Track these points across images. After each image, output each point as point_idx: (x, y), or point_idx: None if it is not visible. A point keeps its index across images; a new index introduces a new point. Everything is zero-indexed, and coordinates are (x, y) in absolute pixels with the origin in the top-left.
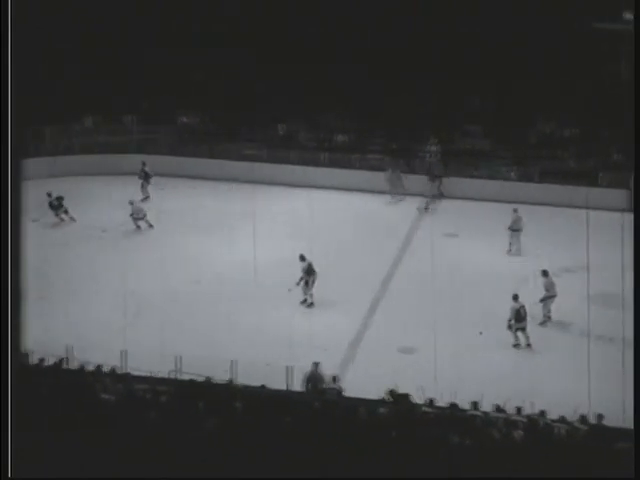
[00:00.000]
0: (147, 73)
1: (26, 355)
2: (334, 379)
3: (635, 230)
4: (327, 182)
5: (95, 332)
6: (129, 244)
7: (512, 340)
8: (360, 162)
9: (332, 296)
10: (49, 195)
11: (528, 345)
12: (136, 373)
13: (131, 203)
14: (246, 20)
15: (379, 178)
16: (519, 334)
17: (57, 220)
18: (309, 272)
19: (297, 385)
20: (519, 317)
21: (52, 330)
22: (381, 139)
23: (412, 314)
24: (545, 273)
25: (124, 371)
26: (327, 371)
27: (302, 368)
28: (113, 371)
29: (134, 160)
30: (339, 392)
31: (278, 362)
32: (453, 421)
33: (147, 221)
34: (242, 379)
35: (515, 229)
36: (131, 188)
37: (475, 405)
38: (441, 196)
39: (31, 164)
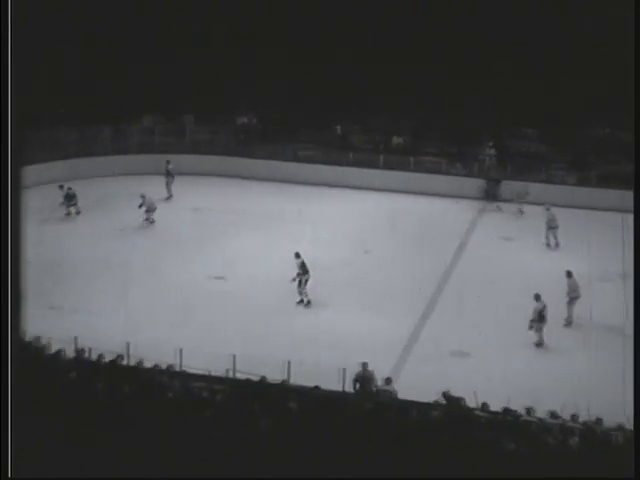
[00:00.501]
0: (205, 73)
1: (82, 351)
2: (387, 381)
3: (635, 230)
4: (382, 184)
5: (152, 330)
6: (186, 242)
7: (535, 339)
8: (415, 165)
9: (386, 298)
10: (61, 187)
11: (539, 344)
12: (193, 371)
13: (143, 196)
14: (307, 22)
15: (434, 180)
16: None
17: (66, 212)
18: (304, 270)
19: (351, 386)
20: (541, 317)
21: (110, 327)
22: (437, 142)
23: (467, 317)
24: (569, 274)
25: (180, 369)
26: (380, 373)
27: (357, 369)
28: (170, 369)
29: (190, 160)
30: (392, 394)
31: (331, 363)
32: (507, 426)
33: (151, 218)
34: (296, 379)
35: (552, 227)
36: (185, 187)
37: (529, 411)
38: (498, 199)
39: (89, 163)
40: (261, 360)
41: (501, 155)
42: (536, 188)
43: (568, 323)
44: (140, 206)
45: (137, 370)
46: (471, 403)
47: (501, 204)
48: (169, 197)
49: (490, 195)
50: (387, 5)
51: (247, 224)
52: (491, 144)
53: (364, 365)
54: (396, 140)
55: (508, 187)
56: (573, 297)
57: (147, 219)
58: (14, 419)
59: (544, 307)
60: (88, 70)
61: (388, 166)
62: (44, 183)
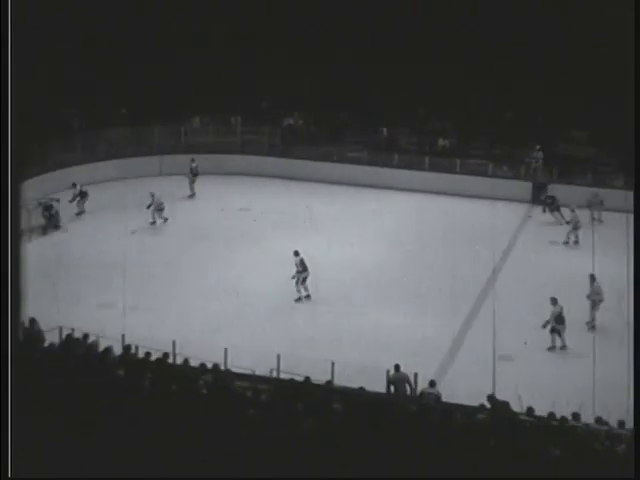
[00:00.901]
0: (253, 75)
1: (129, 348)
2: (431, 384)
3: (635, 230)
4: (428, 186)
5: (198, 328)
6: (232, 242)
7: (550, 344)
8: (461, 167)
9: (431, 300)
10: (75, 185)
11: (563, 347)
12: (237, 370)
13: (152, 195)
14: (351, 24)
15: (480, 183)
16: (555, 337)
17: (78, 211)
18: (302, 268)
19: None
20: (560, 320)
21: (157, 325)
22: (483, 144)
23: (512, 321)
24: (593, 278)
25: (225, 368)
26: (424, 376)
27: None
28: (215, 368)
29: (238, 160)
30: (437, 397)
31: (376, 365)
32: (552, 431)
33: (163, 216)
34: (340, 381)
35: (577, 227)
36: (232, 187)
37: (576, 416)
38: (545, 203)
39: (138, 163)
40: (305, 361)
41: (548, 158)
42: (582, 192)
43: (592, 327)
44: (149, 206)
45: (183, 369)
46: (516, 407)
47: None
48: (192, 195)
49: (536, 198)
50: (437, 6)
51: (293, 224)
52: (538, 147)
53: (397, 367)
54: (442, 142)
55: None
56: (596, 300)
57: (154, 222)
58: (14, 419)
59: (562, 309)
60: (139, 70)
61: (434, 168)
62: (96, 182)
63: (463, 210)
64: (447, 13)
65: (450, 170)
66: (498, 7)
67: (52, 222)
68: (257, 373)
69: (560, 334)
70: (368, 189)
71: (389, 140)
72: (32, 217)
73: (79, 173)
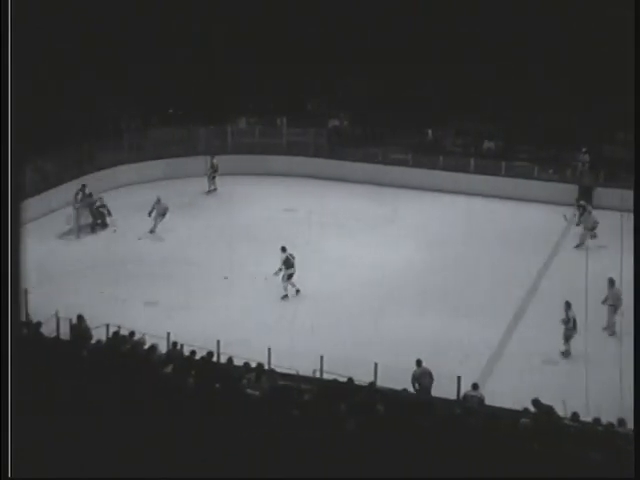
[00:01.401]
0: (298, 76)
1: (175, 345)
2: (474, 387)
3: (635, 230)
4: (473, 188)
5: (243, 328)
6: (277, 243)
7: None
8: (507, 169)
9: (475, 303)
10: (84, 187)
11: (566, 353)
12: (280, 370)
13: (158, 202)
14: (402, 25)
15: (526, 186)
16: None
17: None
18: (287, 265)
19: (439, 391)
20: (575, 325)
21: (202, 324)
22: (529, 146)
23: (557, 325)
24: (611, 282)
25: (269, 368)
26: (468, 379)
27: (446, 374)
28: (259, 367)
29: (284, 161)
30: (480, 400)
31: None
32: (597, 437)
33: (156, 224)
34: (383, 382)
35: (588, 228)
36: (277, 188)
37: (622, 422)
38: (590, 206)
39: (184, 163)
40: (348, 361)
41: (594, 161)
42: (628, 195)
43: (612, 333)
44: (150, 213)
45: (227, 368)
46: (560, 412)
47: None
48: (212, 190)
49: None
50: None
51: (338, 226)
52: (584, 150)
53: (419, 362)
54: (487, 144)
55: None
56: (615, 305)
57: (152, 230)
58: (14, 419)
59: (575, 315)
60: (186, 71)
61: (479, 170)
62: (143, 182)
63: (508, 213)
64: (491, 13)
65: (495, 172)
66: (546, 8)
67: (100, 221)
68: (300, 373)
69: (567, 339)
70: (413, 191)
71: (434, 142)
72: (80, 216)
73: (126, 173)
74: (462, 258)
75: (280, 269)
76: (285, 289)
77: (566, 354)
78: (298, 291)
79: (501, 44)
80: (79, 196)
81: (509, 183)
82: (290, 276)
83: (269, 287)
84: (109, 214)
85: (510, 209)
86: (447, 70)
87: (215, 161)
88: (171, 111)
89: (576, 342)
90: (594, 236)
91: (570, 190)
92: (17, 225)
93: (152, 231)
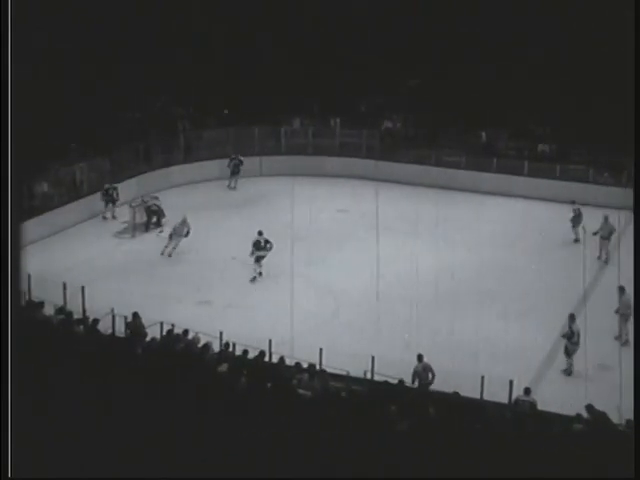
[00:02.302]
0: (353, 77)
1: (228, 344)
2: (526, 391)
3: (635, 230)
4: (527, 191)
5: (294, 328)
6: (330, 244)
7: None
8: (561, 172)
9: (529, 307)
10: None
11: (568, 371)
12: (332, 371)
13: (184, 222)
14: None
15: (581, 189)
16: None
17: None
18: (257, 247)
19: (490, 394)
20: (579, 339)
21: (254, 323)
22: (584, 150)
23: (611, 330)
24: (622, 290)
25: (320, 368)
26: (520, 383)
27: (497, 378)
28: (310, 367)
29: (336, 162)
30: (532, 405)
31: (471, 370)
32: None
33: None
34: (434, 384)
35: (605, 237)
36: (330, 189)
37: None
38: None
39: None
40: (399, 363)
41: None
42: None
43: (625, 342)
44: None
45: (278, 367)
46: (614, 419)
47: None
48: (233, 187)
49: None
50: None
51: (389, 227)
52: None
53: (420, 357)
54: (542, 147)
55: None
56: (625, 314)
57: (165, 252)
58: (15, 419)
59: (579, 330)
60: (240, 71)
61: (533, 173)
62: (197, 182)
63: (563, 216)
64: (548, 14)
65: (550, 175)
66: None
67: (156, 219)
68: (351, 374)
69: (570, 354)
70: (466, 193)
71: (488, 144)
72: (136, 215)
73: (180, 173)
74: (514, 261)
75: (252, 252)
76: (254, 270)
77: (568, 372)
78: (260, 274)
79: (560, 47)
80: (114, 193)
81: (563, 186)
82: (258, 258)
83: (320, 288)
84: (163, 215)
85: (564, 212)
86: (502, 71)
87: (241, 158)
88: (226, 112)
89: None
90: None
91: (626, 194)
92: (17, 227)
93: (164, 253)
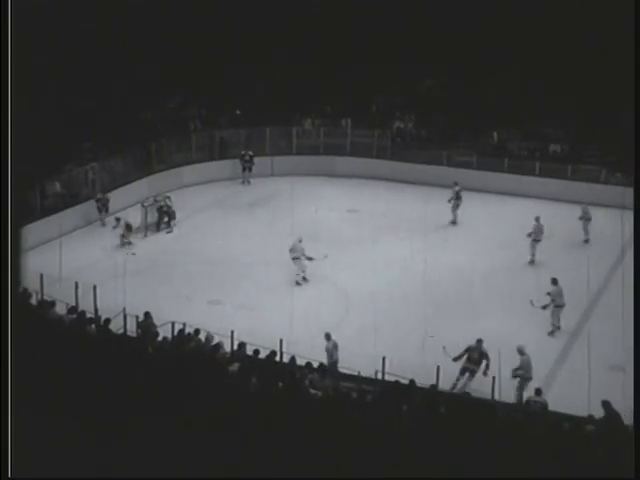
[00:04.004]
0: (365, 76)
1: (242, 344)
2: (537, 392)
3: (635, 230)
4: (538, 191)
5: (305, 327)
6: (339, 244)
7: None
8: (573, 173)
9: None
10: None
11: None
12: (343, 371)
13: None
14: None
15: (592, 190)
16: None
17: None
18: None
19: (501, 395)
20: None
21: (265, 323)
22: (596, 150)
23: (624, 330)
24: (555, 281)
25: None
26: (531, 383)
27: (509, 379)
28: (321, 367)
29: (348, 162)
30: (543, 405)
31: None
32: None
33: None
34: (445, 385)
35: (536, 239)
36: (341, 189)
37: None
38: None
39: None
40: (410, 363)
41: None
42: None
43: (552, 331)
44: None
45: (290, 367)
46: (626, 420)
47: None
48: (244, 182)
49: None
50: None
51: (400, 227)
52: None
53: (327, 336)
54: (553, 147)
55: None
56: (558, 305)
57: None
58: (15, 419)
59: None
60: (252, 72)
61: (545, 173)
62: (209, 182)
63: (574, 217)
64: (558, 14)
65: (561, 176)
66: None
67: (167, 219)
68: (362, 374)
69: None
70: (477, 193)
71: (499, 145)
72: (147, 214)
73: (192, 173)
74: (525, 261)
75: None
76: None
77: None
78: (304, 279)
79: (572, 47)
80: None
81: (575, 186)
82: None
83: (330, 287)
84: (174, 216)
85: (576, 213)
86: (514, 72)
87: (250, 152)
88: (238, 112)
89: None
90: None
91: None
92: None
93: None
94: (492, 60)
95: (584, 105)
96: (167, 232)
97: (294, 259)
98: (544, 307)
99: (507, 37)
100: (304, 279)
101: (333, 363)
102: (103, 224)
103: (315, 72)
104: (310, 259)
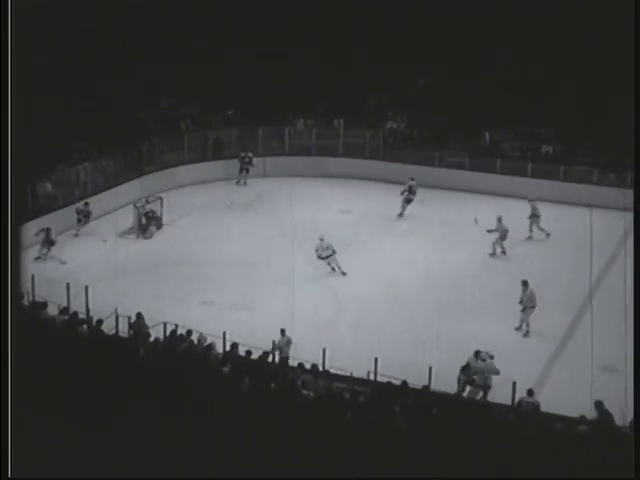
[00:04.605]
0: (357, 77)
1: (235, 345)
2: (529, 393)
3: (635, 230)
4: (530, 193)
5: (297, 329)
6: (335, 244)
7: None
8: (565, 174)
9: (536, 311)
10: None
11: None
12: (335, 372)
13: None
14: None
15: (585, 191)
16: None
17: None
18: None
19: (493, 396)
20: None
21: (257, 324)
22: (589, 151)
23: (616, 331)
24: (525, 284)
25: (324, 369)
26: (524, 384)
27: (501, 380)
28: (313, 368)
29: (340, 163)
30: (535, 406)
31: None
32: None
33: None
34: (437, 386)
35: (502, 237)
36: (333, 190)
37: None
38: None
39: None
40: (402, 364)
41: None
42: None
43: (526, 333)
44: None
45: (282, 368)
46: (619, 421)
47: None
48: (242, 183)
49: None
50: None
51: (392, 228)
52: None
53: (282, 331)
54: (545, 148)
55: None
56: (529, 307)
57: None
58: (15, 419)
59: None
60: (244, 72)
61: (537, 174)
62: (201, 182)
63: (566, 218)
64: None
65: (554, 177)
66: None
67: (157, 220)
68: (355, 375)
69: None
70: (469, 194)
71: (491, 145)
72: (140, 216)
73: (185, 173)
74: (517, 263)
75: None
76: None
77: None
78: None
79: (565, 48)
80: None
81: (567, 188)
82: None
83: (323, 288)
84: (160, 223)
85: (568, 214)
86: (506, 72)
87: (250, 154)
88: (230, 113)
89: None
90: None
91: (631, 196)
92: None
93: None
94: (484, 60)
95: (577, 105)
96: (145, 237)
97: (326, 257)
98: (490, 231)
99: (499, 37)
100: (341, 271)
101: (284, 359)
102: (76, 235)
103: (308, 72)
104: (334, 252)
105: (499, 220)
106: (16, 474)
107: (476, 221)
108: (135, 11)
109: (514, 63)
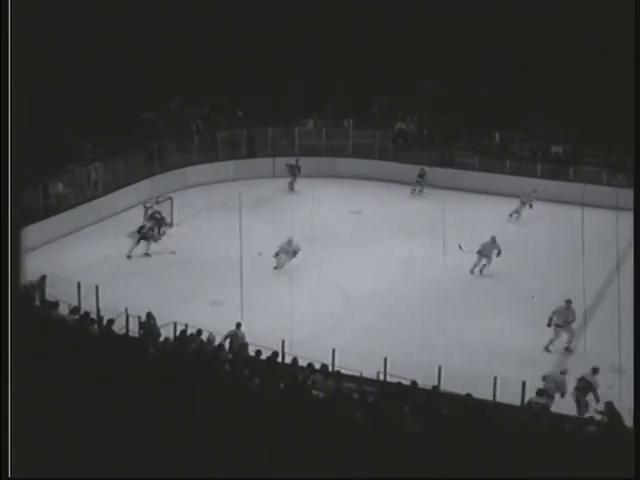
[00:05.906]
0: (366, 78)
1: (246, 345)
2: (539, 393)
3: (635, 230)
4: (540, 193)
5: (307, 329)
6: (343, 245)
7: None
8: (575, 174)
9: (541, 309)
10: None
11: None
12: (344, 372)
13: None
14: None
15: (594, 191)
16: None
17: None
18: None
19: (503, 396)
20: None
21: (267, 324)
22: (598, 151)
23: (624, 333)
24: (568, 302)
25: (333, 369)
26: (532, 385)
27: (510, 380)
28: (323, 368)
29: (350, 163)
30: (545, 407)
31: (483, 372)
32: None
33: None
34: (447, 386)
35: (487, 255)
36: (343, 190)
37: None
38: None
39: (252, 164)
40: (412, 364)
41: None
42: None
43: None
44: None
45: (292, 368)
46: (627, 421)
47: None
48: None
49: None
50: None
51: (402, 228)
52: None
53: (238, 325)
54: (555, 149)
55: None
56: (569, 321)
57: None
58: (14, 419)
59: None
60: (254, 72)
61: (546, 175)
62: (211, 183)
63: (575, 218)
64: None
65: (563, 178)
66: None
67: (166, 220)
68: (364, 375)
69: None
70: (479, 195)
71: (501, 146)
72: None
73: (195, 173)
74: (527, 263)
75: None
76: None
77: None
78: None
79: (574, 48)
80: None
81: (577, 188)
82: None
83: (333, 289)
84: (164, 224)
85: (577, 214)
86: (516, 72)
87: (299, 162)
88: (240, 113)
89: None
90: None
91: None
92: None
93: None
94: (494, 60)
95: (586, 106)
96: (155, 240)
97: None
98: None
99: (509, 37)
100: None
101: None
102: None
103: (317, 72)
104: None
105: (493, 240)
106: (16, 474)
107: (460, 247)
108: (144, 10)
109: (524, 63)
